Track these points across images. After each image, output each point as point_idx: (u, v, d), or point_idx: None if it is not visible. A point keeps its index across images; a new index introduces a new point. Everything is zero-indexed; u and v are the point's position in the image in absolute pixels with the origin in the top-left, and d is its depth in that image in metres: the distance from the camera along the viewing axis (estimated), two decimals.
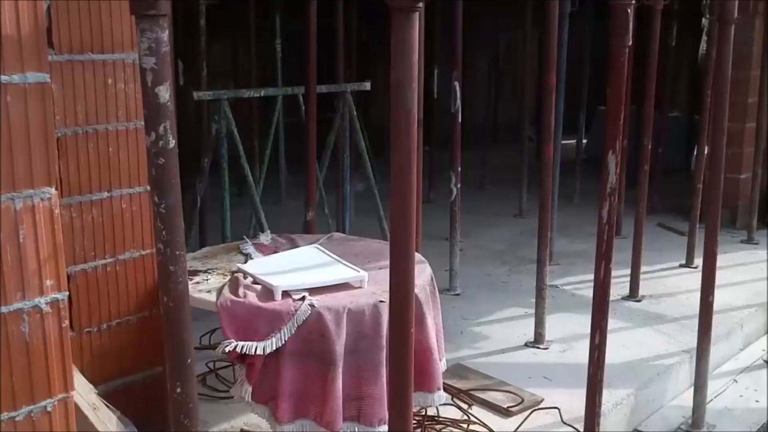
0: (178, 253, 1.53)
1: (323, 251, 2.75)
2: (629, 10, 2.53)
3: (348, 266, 2.59)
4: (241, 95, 3.99)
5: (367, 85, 4.58)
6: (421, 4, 1.68)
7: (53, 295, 1.70)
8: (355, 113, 4.46)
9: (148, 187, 2.53)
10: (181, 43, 5.55)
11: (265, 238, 3.00)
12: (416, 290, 2.30)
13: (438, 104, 7.05)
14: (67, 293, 1.72)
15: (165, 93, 1.46)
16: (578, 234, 5.90)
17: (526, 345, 3.86)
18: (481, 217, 6.52)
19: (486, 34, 9.53)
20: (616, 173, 2.67)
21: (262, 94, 4.24)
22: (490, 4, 8.29)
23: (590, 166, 7.72)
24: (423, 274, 2.64)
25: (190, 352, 1.59)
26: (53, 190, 1.67)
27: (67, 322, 1.72)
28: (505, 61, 10.26)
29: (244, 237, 3.01)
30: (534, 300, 3.90)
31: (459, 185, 4.48)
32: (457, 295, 4.60)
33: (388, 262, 2.72)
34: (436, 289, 2.72)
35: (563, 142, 6.28)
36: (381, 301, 2.36)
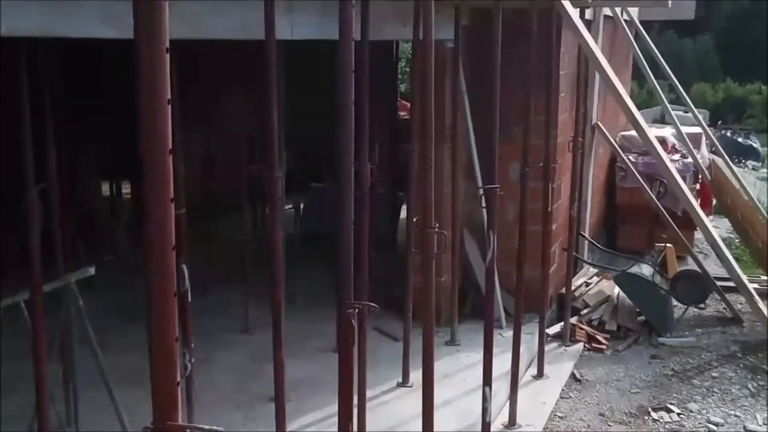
0: None
1: None
2: None
3: None
4: None
5: (92, 270, 4.45)
6: None
7: None
8: (80, 303, 4.34)
9: None
10: None
11: None
12: None
13: None
14: None
15: None
16: (303, 352, 5.80)
17: None
18: (209, 334, 6.17)
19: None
20: None
21: None
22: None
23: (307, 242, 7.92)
24: None
25: None
26: None
27: None
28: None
29: None
30: None
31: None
32: None
33: None
34: None
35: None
36: None
